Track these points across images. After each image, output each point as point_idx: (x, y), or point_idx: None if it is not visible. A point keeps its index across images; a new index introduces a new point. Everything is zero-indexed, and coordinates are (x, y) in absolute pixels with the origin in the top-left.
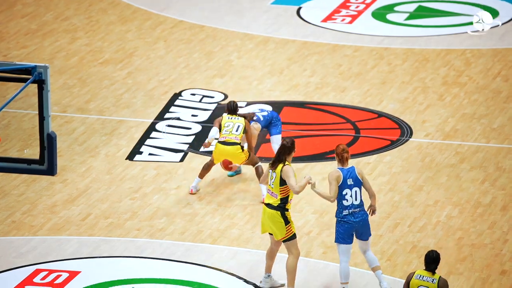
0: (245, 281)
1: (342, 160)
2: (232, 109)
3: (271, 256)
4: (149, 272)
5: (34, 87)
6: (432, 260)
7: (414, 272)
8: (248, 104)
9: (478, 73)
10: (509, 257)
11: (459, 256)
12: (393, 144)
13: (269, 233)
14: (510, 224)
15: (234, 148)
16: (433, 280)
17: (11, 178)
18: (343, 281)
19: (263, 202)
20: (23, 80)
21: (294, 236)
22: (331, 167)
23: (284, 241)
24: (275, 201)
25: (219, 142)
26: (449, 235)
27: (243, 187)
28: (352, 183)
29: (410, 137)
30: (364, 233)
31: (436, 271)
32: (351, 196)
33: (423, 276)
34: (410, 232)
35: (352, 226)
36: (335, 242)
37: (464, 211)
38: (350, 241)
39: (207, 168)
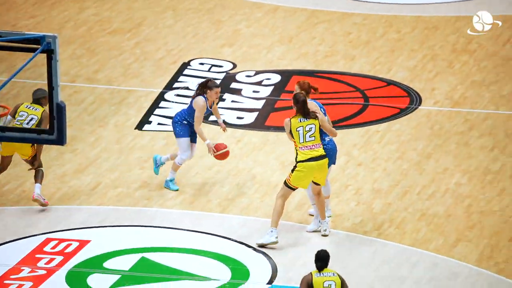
0: (254, 249)
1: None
2: (33, 96)
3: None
4: (159, 241)
5: (43, 57)
6: (322, 258)
7: (311, 273)
8: (257, 73)
9: (488, 40)
10: None
11: (468, 223)
12: (402, 112)
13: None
14: None
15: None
16: (333, 273)
17: None
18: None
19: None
20: (32, 50)
21: None
22: (341, 135)
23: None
24: (321, 150)
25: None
26: (458, 203)
27: (253, 157)
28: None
29: (419, 105)
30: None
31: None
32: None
33: (323, 273)
34: (419, 199)
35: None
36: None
37: (473, 179)
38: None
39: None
